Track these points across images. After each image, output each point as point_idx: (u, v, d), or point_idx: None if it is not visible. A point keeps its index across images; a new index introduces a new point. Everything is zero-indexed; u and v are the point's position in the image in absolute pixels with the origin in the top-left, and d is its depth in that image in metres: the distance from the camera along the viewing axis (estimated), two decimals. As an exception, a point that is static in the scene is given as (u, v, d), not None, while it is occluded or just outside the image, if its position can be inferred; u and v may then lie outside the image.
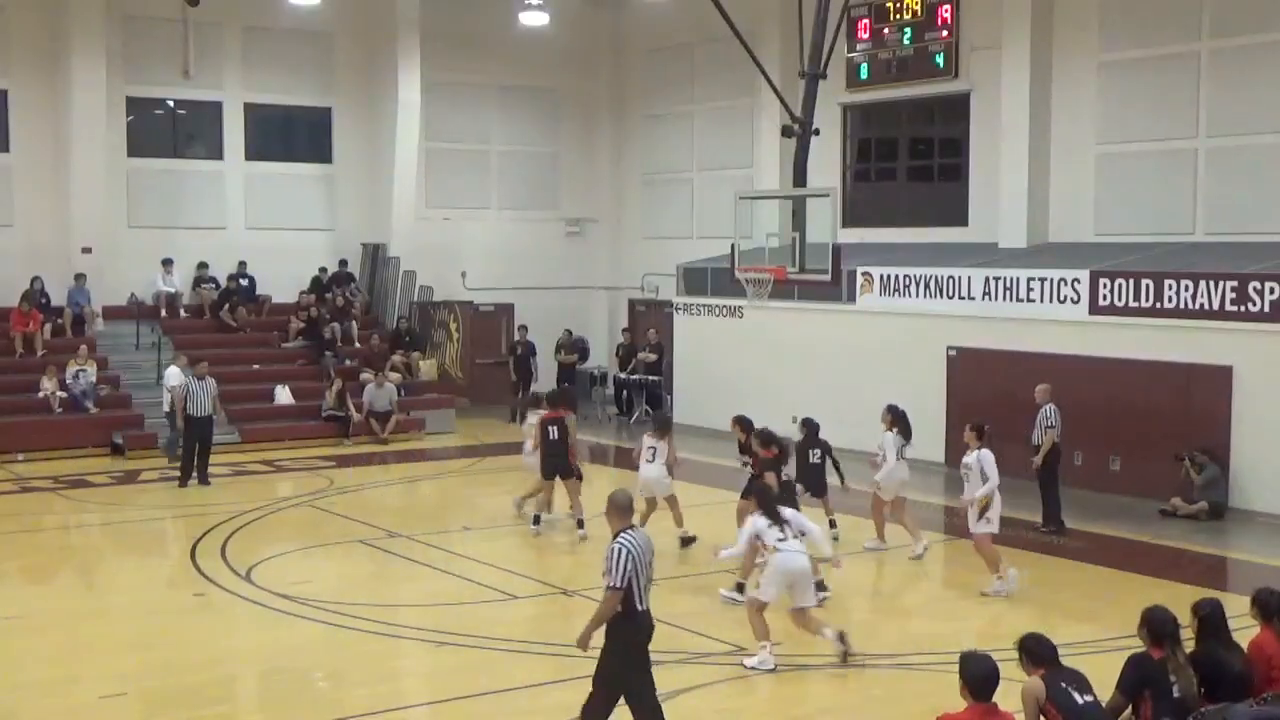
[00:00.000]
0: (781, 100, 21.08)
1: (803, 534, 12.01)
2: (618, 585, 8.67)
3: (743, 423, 16.30)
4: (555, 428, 16.92)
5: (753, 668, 11.48)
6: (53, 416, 23.15)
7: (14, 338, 24.62)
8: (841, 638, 11.57)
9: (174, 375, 22.48)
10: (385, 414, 24.93)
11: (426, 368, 27.89)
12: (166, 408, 22.56)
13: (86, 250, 26.17)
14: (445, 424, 26.16)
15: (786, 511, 12.17)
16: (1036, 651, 7.87)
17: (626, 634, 8.84)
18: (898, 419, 16.31)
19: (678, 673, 11.32)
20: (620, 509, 9.05)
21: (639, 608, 8.81)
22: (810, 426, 16.62)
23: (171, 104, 28.16)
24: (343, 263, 29.27)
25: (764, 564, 12.12)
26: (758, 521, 12.01)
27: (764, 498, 12.42)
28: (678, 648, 12.06)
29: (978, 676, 7.40)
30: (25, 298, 25.01)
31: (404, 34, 28.38)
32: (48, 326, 25.04)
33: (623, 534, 8.85)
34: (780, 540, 11.78)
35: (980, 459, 14.49)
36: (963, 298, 21.63)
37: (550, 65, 30.75)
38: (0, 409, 23.11)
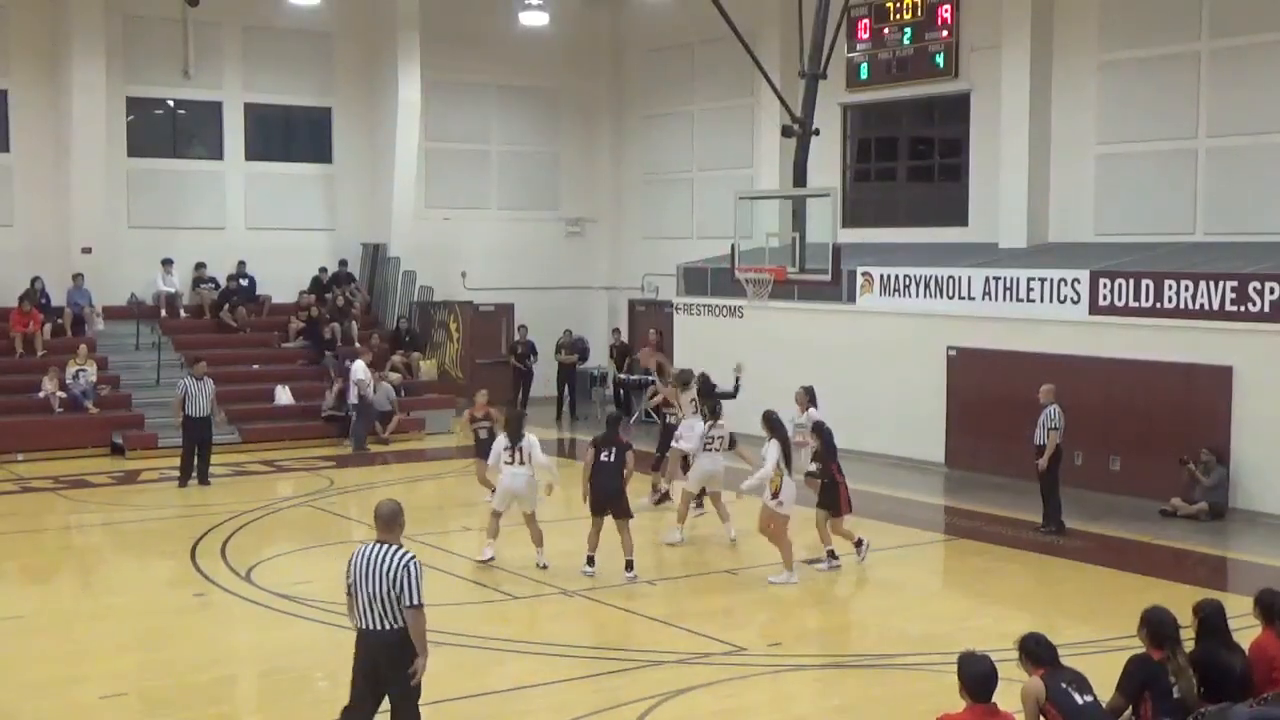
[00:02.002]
0: (781, 100, 21.08)
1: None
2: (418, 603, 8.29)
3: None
4: (611, 451, 14.81)
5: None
6: (53, 416, 23.15)
7: (14, 338, 24.62)
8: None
9: (359, 369, 23.99)
10: (386, 414, 24.92)
11: (426, 368, 27.90)
12: (354, 399, 23.65)
13: (86, 250, 26.17)
14: (445, 424, 26.16)
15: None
16: (1036, 652, 7.87)
17: (356, 652, 8.49)
18: (773, 427, 14.80)
19: (677, 672, 11.33)
20: (383, 520, 8.50)
21: (360, 626, 8.37)
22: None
23: (171, 104, 28.16)
24: (343, 263, 29.27)
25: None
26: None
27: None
28: (676, 647, 12.07)
29: (976, 677, 7.40)
30: (25, 298, 25.02)
31: (404, 34, 28.38)
32: (48, 326, 25.04)
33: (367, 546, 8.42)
34: (508, 463, 14.66)
35: (809, 418, 16.25)
36: (963, 298, 21.62)
37: (550, 65, 30.75)
38: (0, 409, 23.11)
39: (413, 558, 8.35)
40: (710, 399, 16.75)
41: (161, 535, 17.58)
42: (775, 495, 14.35)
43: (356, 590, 8.32)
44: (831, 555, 15.14)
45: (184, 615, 13.34)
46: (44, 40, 26.09)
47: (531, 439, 14.84)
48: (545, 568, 14.88)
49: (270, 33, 28.29)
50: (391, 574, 8.25)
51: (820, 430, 15.51)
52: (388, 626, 8.31)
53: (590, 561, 14.61)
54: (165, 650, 12.08)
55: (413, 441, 25.17)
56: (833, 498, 15.22)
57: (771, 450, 14.50)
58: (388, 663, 8.40)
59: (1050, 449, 16.92)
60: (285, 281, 28.21)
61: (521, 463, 14.72)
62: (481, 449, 18.17)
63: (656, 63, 30.62)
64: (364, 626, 8.36)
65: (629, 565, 14.51)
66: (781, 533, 14.53)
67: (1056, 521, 17.11)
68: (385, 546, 8.38)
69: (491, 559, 15.07)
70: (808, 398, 17.94)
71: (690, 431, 16.61)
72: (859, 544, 15.32)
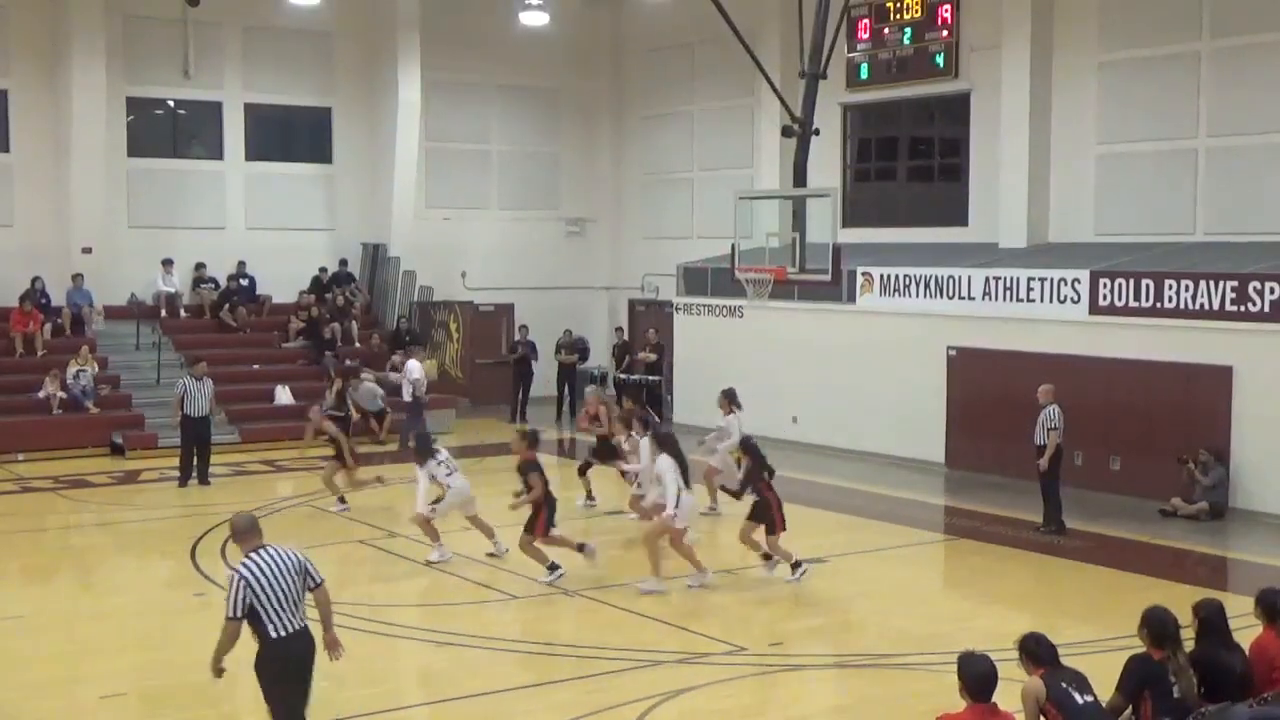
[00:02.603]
0: (781, 100, 21.08)
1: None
2: (232, 615, 8.26)
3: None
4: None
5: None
6: (53, 416, 23.15)
7: (14, 338, 24.63)
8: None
9: (415, 368, 24.31)
10: (379, 413, 24.93)
11: (427, 368, 27.85)
12: (408, 397, 23.79)
13: (87, 250, 26.18)
14: (445, 424, 26.13)
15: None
16: (1036, 652, 7.87)
17: (268, 666, 8.40)
18: (662, 442, 14.41)
19: (677, 672, 11.34)
20: (239, 532, 8.56)
21: (273, 635, 8.28)
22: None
23: (171, 104, 28.17)
24: (343, 263, 29.27)
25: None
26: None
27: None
28: (676, 647, 12.07)
29: (977, 677, 7.40)
30: (25, 298, 25.02)
31: (404, 34, 28.38)
32: (48, 327, 25.04)
33: (248, 557, 8.37)
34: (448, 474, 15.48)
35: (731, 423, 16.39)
36: (963, 298, 21.62)
37: (550, 65, 30.75)
38: (0, 409, 23.11)
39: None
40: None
41: (161, 535, 17.58)
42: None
43: (265, 600, 8.26)
44: (795, 565, 14.47)
45: (184, 615, 13.33)
46: (44, 40, 26.10)
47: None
48: (506, 552, 15.22)
49: (270, 33, 28.29)
50: (296, 565, 8.45)
51: (748, 447, 15.02)
52: (300, 626, 8.44)
53: (552, 569, 14.41)
54: (165, 650, 12.08)
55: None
56: (764, 514, 14.55)
57: (665, 468, 13.95)
58: (310, 658, 8.54)
59: (1051, 449, 16.92)
60: (285, 281, 28.21)
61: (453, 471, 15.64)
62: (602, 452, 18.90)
63: (656, 63, 30.62)
64: (282, 633, 8.34)
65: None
66: (679, 543, 14.14)
67: (1057, 521, 17.12)
68: (268, 549, 8.47)
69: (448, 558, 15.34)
70: (729, 401, 17.89)
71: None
72: (796, 565, 14.43)
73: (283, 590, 8.31)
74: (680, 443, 14.65)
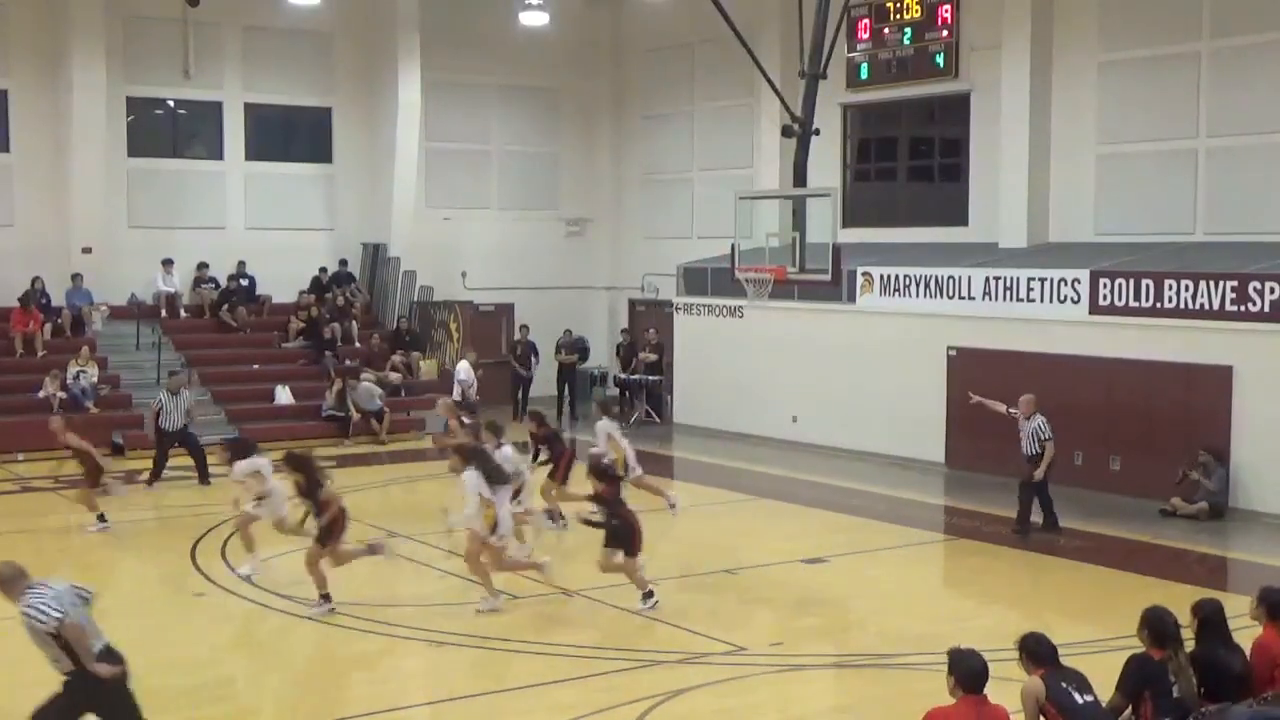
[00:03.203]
0: (781, 100, 21.09)
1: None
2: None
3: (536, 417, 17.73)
4: None
5: None
6: (53, 416, 23.09)
7: (14, 338, 24.63)
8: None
9: (465, 370, 24.91)
10: (378, 413, 24.94)
11: (427, 368, 27.89)
12: (457, 396, 23.67)
13: (87, 250, 26.19)
14: (445, 424, 26.08)
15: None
16: (1037, 651, 7.87)
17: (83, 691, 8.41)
18: (470, 456, 13.60)
19: (677, 672, 11.34)
20: (10, 581, 8.66)
21: (99, 649, 8.43)
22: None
23: (171, 104, 28.17)
24: (343, 262, 29.27)
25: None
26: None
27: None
28: (676, 647, 12.07)
29: (972, 670, 7.43)
30: (26, 298, 25.02)
31: (404, 34, 28.37)
32: (48, 327, 25.05)
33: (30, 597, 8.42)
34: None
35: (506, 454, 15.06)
36: (963, 298, 21.63)
37: (550, 65, 30.75)
38: (1, 409, 23.10)
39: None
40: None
41: (161, 535, 17.58)
42: (493, 530, 13.13)
43: (78, 622, 8.44)
44: (647, 595, 13.29)
45: (184, 615, 13.34)
46: (44, 40, 26.10)
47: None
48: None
49: (270, 33, 28.29)
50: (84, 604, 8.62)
51: (599, 471, 13.88)
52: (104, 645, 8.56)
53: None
54: (165, 650, 12.06)
55: (411, 441, 25.15)
56: (624, 538, 13.26)
57: (469, 483, 13.15)
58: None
59: (1048, 460, 16.80)
60: (285, 281, 28.21)
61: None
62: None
63: (656, 63, 30.63)
64: (103, 647, 8.52)
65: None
66: (499, 561, 13.39)
67: (1027, 523, 17.00)
68: (59, 588, 8.74)
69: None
70: (601, 410, 17.92)
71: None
72: (648, 595, 13.25)
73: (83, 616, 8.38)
74: (504, 460, 14.13)
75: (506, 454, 15.05)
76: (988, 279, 21.27)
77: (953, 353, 21.76)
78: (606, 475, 13.81)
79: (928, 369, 21.93)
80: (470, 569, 13.54)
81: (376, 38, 28.99)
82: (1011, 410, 17.46)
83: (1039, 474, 16.86)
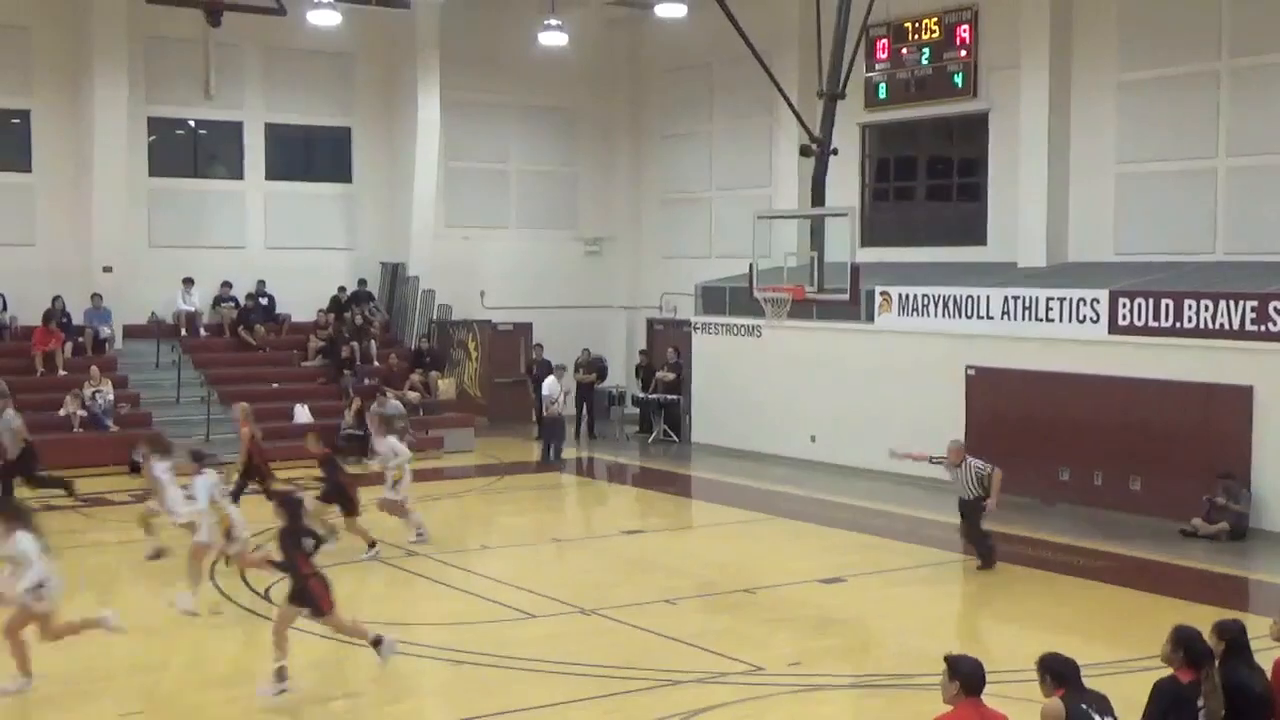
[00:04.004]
0: (800, 120, 21.12)
1: None
2: None
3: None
4: None
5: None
6: (73, 435, 23.24)
7: (35, 357, 24.76)
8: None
9: (553, 384, 25.19)
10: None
11: (445, 386, 27.94)
12: (546, 411, 24.84)
13: (108, 269, 26.35)
14: (464, 443, 26.18)
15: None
16: (1059, 671, 7.82)
17: None
18: (23, 517, 12.04)
19: (695, 692, 11.30)
20: None
21: None
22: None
23: (192, 124, 28.35)
24: (362, 282, 29.38)
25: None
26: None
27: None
28: (695, 667, 12.04)
29: (973, 672, 7.50)
30: (47, 316, 25.16)
31: (424, 54, 28.54)
32: (69, 346, 25.18)
33: None
34: None
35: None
36: (982, 317, 21.57)
37: (569, 85, 30.86)
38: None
39: None
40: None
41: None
42: (37, 586, 11.31)
43: None
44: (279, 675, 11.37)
45: (202, 633, 13.35)
46: (66, 61, 26.30)
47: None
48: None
49: (291, 53, 28.46)
50: None
51: (284, 502, 12.15)
52: None
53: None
54: (183, 669, 12.09)
55: (431, 460, 25.16)
56: (306, 597, 11.59)
57: (25, 546, 11.44)
58: None
59: (998, 485, 16.16)
60: (304, 300, 28.35)
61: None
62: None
63: (675, 82, 30.70)
64: None
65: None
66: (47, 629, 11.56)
67: (993, 553, 16.45)
68: None
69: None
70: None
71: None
72: (280, 672, 11.33)
73: None
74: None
75: (203, 483, 14.22)
76: (1007, 298, 21.23)
77: (971, 372, 21.71)
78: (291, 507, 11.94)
79: (946, 388, 21.87)
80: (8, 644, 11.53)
81: (396, 58, 29.15)
82: (936, 459, 16.97)
83: (992, 505, 16.22)
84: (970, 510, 16.41)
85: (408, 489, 17.61)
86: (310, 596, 11.45)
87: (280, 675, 11.25)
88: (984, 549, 16.38)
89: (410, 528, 17.54)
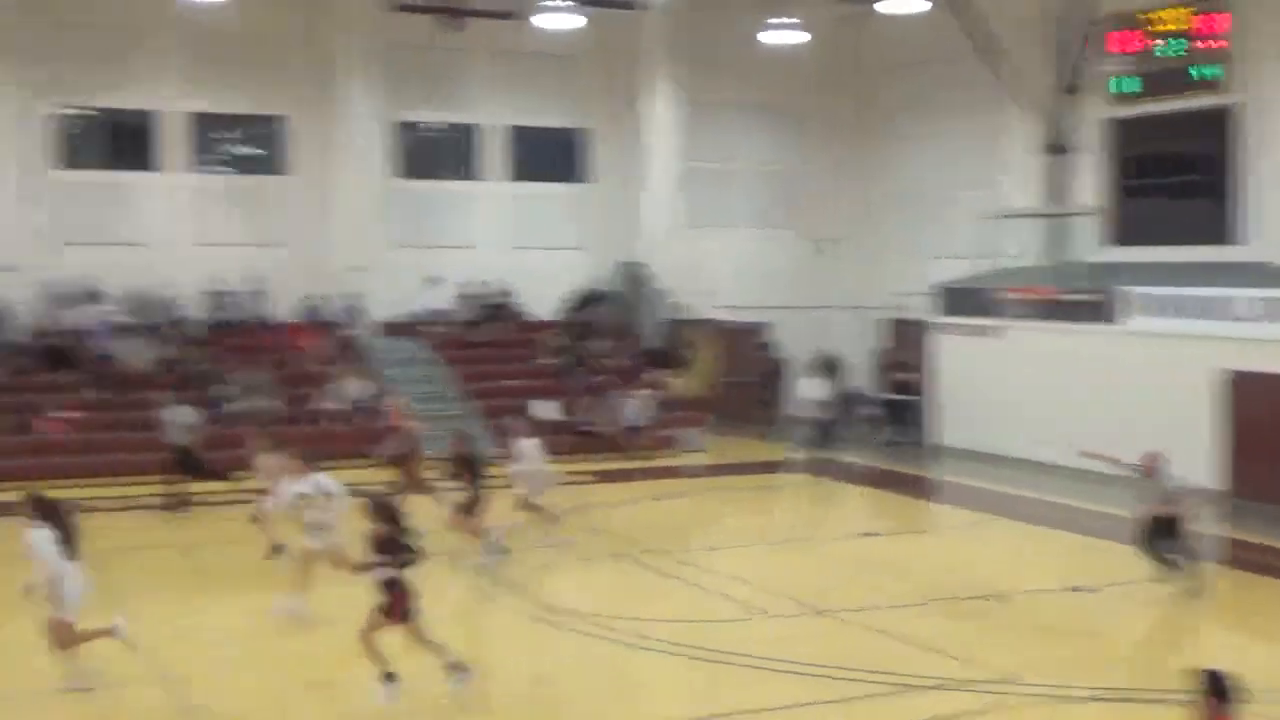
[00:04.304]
0: (1039, 118, 20.61)
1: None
2: None
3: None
4: None
5: None
6: (333, 427, 24.09)
7: (290, 352, 25.96)
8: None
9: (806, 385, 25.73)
10: (639, 429, 25.32)
11: (678, 385, 28.13)
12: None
13: (357, 269, 27.46)
14: (696, 442, 26.32)
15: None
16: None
17: None
18: (46, 512, 11.32)
19: (935, 699, 11.11)
20: None
21: None
22: None
23: (432, 127, 29.35)
24: (597, 280, 29.87)
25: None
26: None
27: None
28: (932, 672, 11.83)
29: (1228, 684, 7.43)
30: (303, 314, 26.44)
31: (658, 55, 28.92)
32: (324, 342, 26.32)
33: None
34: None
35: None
36: (1236, 319, 20.64)
37: (798, 83, 30.77)
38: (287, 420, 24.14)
39: None
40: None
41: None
42: (50, 586, 11.05)
43: None
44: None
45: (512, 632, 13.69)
46: (319, 70, 27.55)
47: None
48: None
49: (525, 56, 29.18)
50: None
51: (379, 506, 11.52)
52: None
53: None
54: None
55: (665, 459, 25.39)
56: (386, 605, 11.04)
57: (38, 544, 11.08)
58: None
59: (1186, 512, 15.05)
60: (542, 299, 28.99)
61: None
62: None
63: (904, 80, 30.25)
64: None
65: None
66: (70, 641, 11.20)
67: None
68: None
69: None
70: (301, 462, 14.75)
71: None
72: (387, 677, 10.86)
73: None
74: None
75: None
76: (1262, 300, 20.24)
77: (1226, 376, 20.75)
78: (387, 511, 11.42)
79: (1195, 393, 20.97)
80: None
81: (630, 59, 29.51)
82: (1127, 464, 15.64)
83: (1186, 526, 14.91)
84: (1156, 526, 15.07)
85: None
86: (387, 604, 10.90)
87: (388, 679, 10.77)
88: (1168, 564, 14.97)
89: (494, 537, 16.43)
